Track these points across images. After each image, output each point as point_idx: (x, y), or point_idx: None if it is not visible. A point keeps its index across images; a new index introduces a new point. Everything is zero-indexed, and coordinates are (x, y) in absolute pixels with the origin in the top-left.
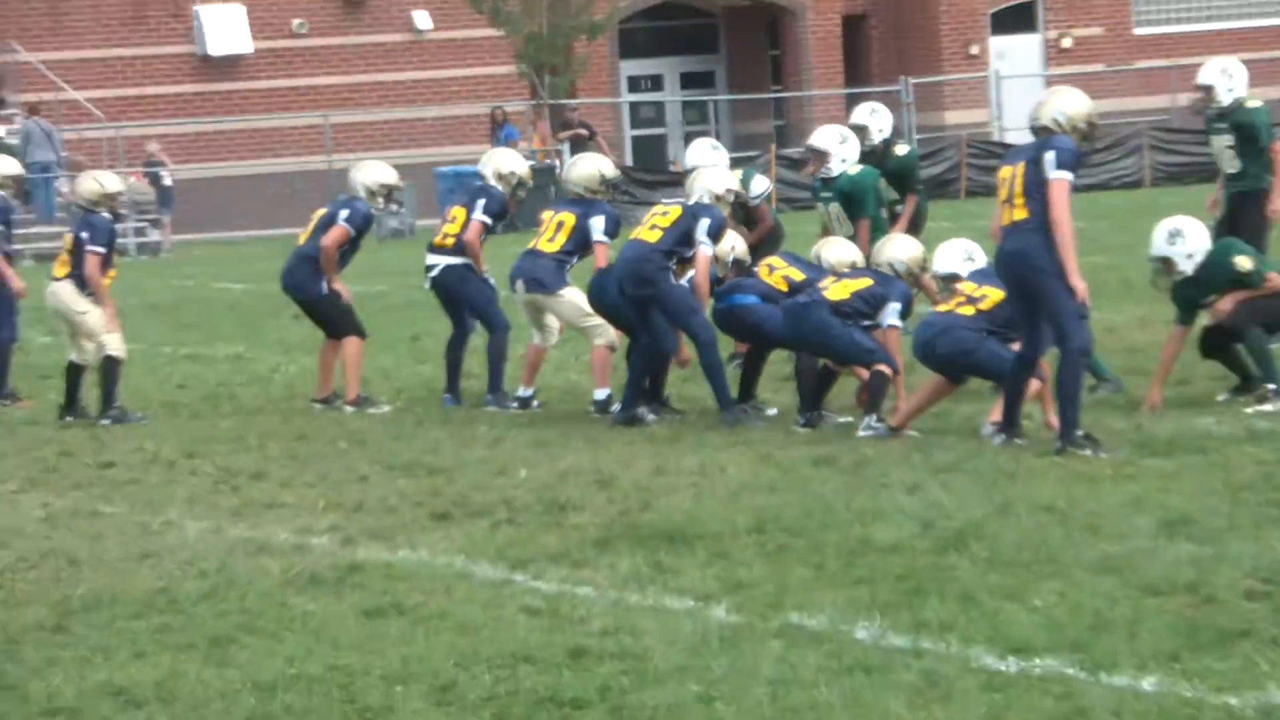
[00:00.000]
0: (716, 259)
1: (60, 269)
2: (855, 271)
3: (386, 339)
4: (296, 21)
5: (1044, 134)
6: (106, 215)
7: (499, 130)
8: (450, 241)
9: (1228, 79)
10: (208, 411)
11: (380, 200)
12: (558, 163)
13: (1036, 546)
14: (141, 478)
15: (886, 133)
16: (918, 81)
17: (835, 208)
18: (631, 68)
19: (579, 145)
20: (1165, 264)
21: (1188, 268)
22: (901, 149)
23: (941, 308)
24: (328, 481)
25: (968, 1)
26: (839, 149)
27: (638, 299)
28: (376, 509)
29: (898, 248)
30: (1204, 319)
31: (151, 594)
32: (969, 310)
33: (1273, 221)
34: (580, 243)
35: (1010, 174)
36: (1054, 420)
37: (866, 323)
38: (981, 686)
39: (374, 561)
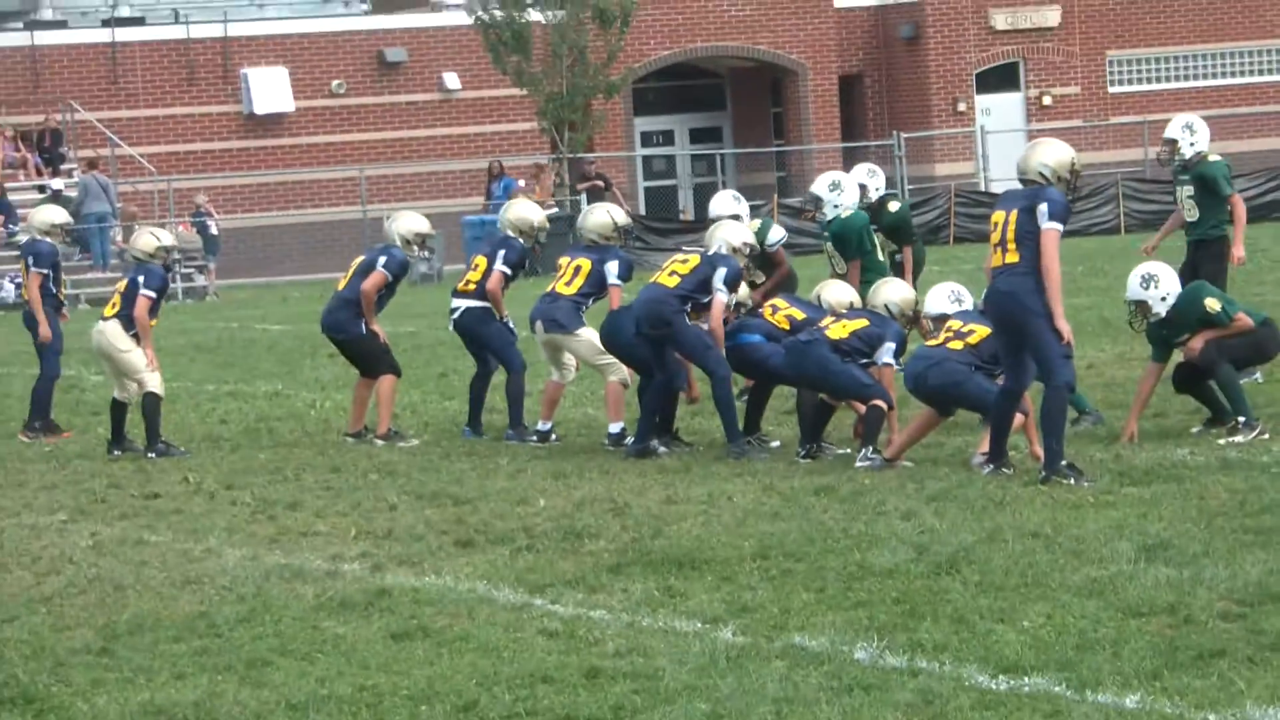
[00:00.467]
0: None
1: (110, 309)
2: (853, 312)
3: (416, 376)
4: (335, 82)
5: (1033, 184)
6: (160, 266)
7: (496, 182)
8: (472, 286)
9: (1190, 134)
10: (247, 445)
11: (415, 248)
12: (576, 211)
13: (1024, 570)
14: (184, 508)
15: (883, 190)
16: (909, 136)
17: (829, 247)
18: (645, 124)
19: (595, 195)
20: (1140, 307)
21: (1161, 310)
22: (894, 205)
23: (931, 342)
24: (359, 511)
25: (955, 63)
26: (829, 195)
27: (654, 338)
28: (405, 537)
29: (892, 291)
30: (1178, 356)
31: (192, 618)
32: (958, 345)
33: (1235, 267)
34: (596, 286)
35: (1003, 218)
36: (1039, 451)
37: (864, 360)
38: (974, 704)
39: (402, 586)
